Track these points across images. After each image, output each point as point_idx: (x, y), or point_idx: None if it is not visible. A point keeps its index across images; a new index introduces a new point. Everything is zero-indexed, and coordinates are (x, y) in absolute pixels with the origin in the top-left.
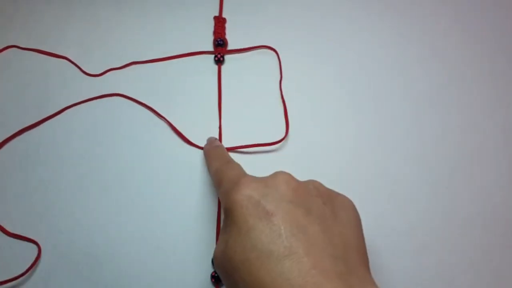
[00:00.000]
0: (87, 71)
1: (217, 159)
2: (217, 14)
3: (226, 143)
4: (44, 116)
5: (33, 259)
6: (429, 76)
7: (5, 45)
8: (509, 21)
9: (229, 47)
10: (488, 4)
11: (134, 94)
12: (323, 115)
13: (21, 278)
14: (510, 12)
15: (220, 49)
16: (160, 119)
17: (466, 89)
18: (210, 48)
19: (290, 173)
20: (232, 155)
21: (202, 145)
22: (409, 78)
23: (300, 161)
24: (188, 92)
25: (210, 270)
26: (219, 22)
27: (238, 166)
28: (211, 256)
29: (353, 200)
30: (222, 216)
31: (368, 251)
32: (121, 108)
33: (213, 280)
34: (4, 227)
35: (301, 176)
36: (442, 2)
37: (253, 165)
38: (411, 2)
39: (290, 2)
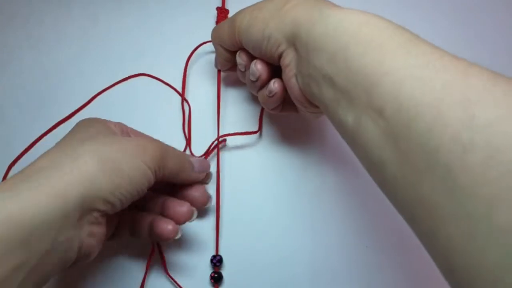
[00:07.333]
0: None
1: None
2: (219, 5)
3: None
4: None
5: None
6: None
7: None
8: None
9: None
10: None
11: (136, 95)
12: None
13: None
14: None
15: None
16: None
17: None
18: None
19: None
20: (231, 153)
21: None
22: None
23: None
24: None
25: (209, 270)
26: (222, 13)
27: None
28: (210, 256)
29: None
30: None
31: (367, 250)
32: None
33: (213, 281)
34: None
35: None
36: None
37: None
38: (411, 1)
39: None
